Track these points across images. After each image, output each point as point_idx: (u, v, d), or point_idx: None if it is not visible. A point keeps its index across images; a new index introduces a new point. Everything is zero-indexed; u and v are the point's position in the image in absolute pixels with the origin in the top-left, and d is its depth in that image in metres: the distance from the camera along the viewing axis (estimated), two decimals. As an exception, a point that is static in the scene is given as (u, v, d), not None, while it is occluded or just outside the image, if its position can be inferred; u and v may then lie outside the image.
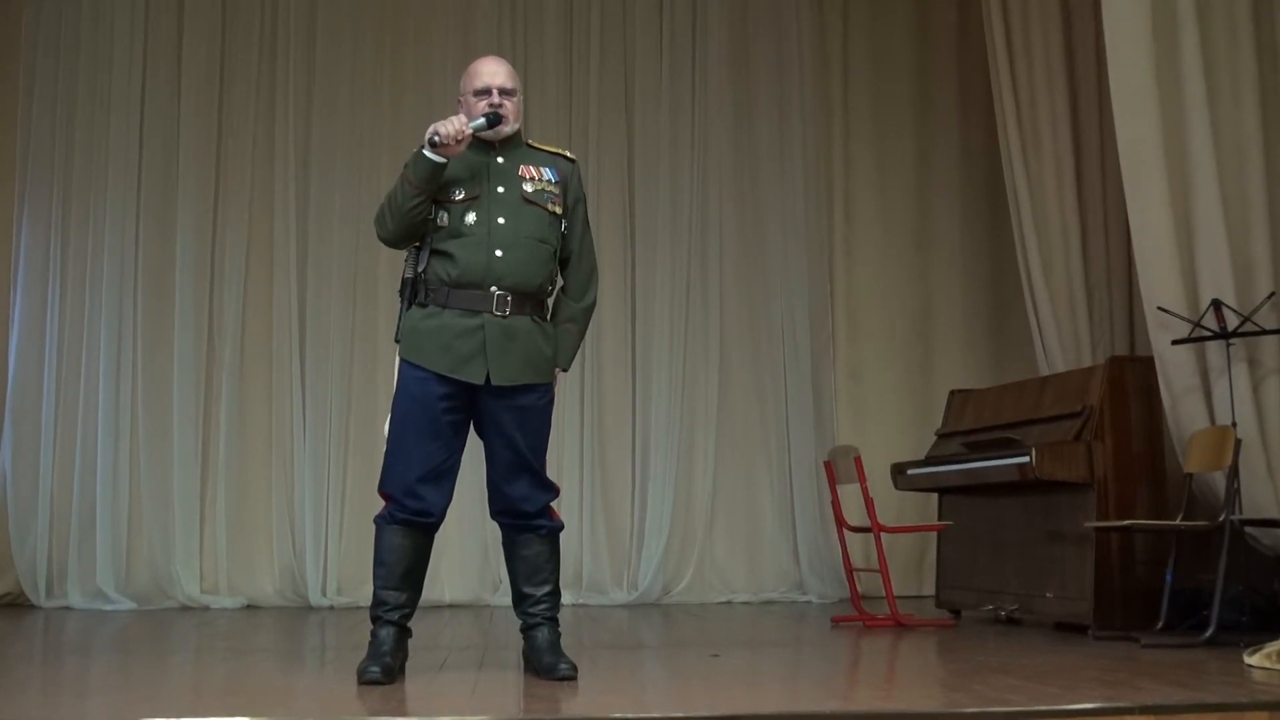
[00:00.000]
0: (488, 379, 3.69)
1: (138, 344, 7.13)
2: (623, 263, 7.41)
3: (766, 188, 7.59)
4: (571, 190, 3.91)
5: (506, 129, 3.81)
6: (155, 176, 7.26)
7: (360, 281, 7.26)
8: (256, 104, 7.35)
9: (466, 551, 7.03)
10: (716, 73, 7.61)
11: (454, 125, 3.69)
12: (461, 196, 3.76)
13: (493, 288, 3.70)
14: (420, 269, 3.76)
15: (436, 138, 3.66)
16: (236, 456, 7.12)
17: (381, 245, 3.90)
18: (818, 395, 7.44)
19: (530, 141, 3.97)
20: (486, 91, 3.82)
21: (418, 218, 3.73)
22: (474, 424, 3.81)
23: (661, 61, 7.59)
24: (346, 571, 6.96)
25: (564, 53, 7.55)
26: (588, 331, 4.03)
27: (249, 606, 6.93)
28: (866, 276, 7.69)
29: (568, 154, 3.98)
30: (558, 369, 3.86)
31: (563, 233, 3.88)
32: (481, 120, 3.77)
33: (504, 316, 3.71)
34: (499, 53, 7.11)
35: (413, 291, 3.77)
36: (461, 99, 3.88)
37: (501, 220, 3.74)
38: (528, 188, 3.81)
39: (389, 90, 7.42)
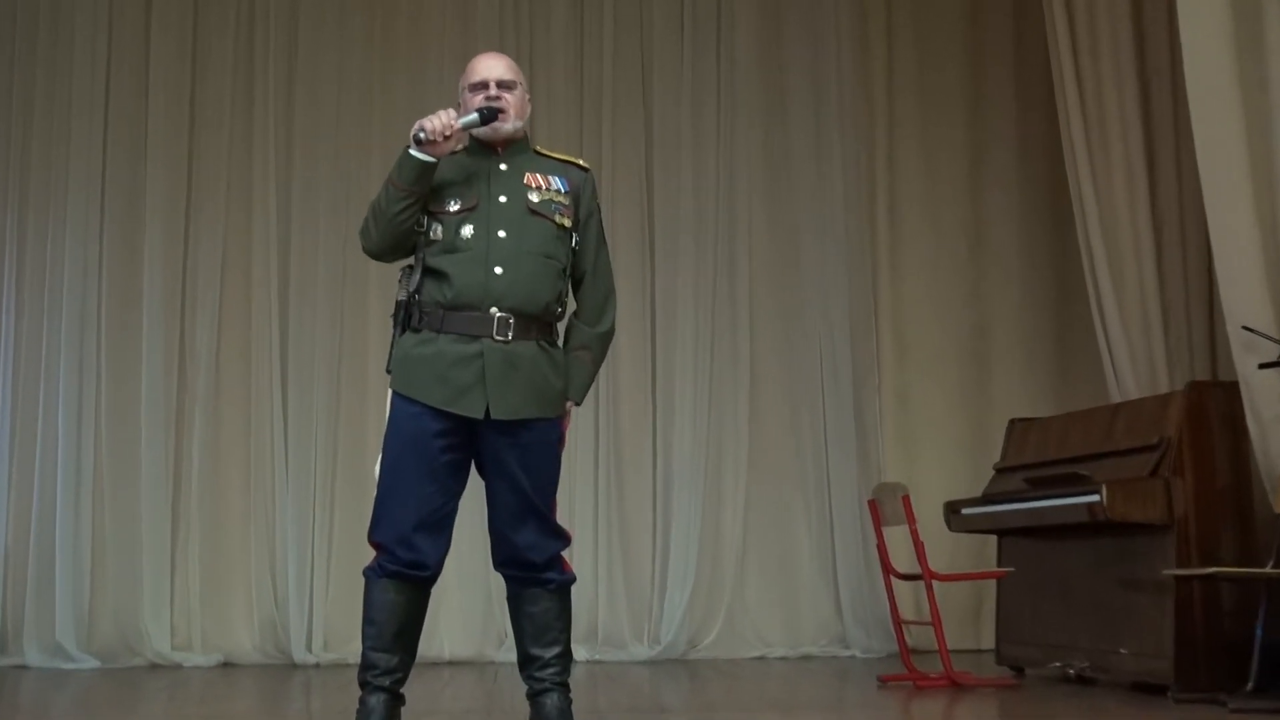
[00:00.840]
0: (487, 413, 3.67)
1: (101, 373, 7.15)
2: (641, 278, 7.42)
3: (801, 192, 7.59)
4: (584, 202, 3.91)
5: (506, 126, 3.81)
6: (120, 188, 7.29)
7: (349, 303, 7.27)
8: (232, 104, 7.39)
9: (468, 601, 7.01)
10: (744, 62, 7.63)
11: (441, 119, 3.70)
12: (458, 207, 3.76)
13: (492, 309, 3.69)
14: (413, 290, 3.75)
15: (422, 134, 3.67)
16: (211, 497, 7.12)
17: (372, 263, 3.91)
18: (860, 424, 7.42)
19: (538, 148, 3.97)
20: (483, 85, 3.83)
21: (404, 225, 3.74)
22: (475, 463, 3.80)
23: (682, 51, 7.62)
24: (334, 625, 6.95)
25: (573, 41, 7.59)
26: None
27: (225, 664, 6.93)
28: (914, 290, 7.69)
29: (580, 162, 3.98)
30: (569, 402, 3.84)
31: (574, 249, 3.87)
32: (474, 115, 3.76)
33: (505, 342, 3.69)
34: (500, 42, 7.21)
35: (406, 315, 3.77)
36: (460, 99, 3.89)
37: (502, 233, 3.73)
38: (533, 197, 3.80)
39: (379, 89, 7.45)
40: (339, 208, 7.26)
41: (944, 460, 7.44)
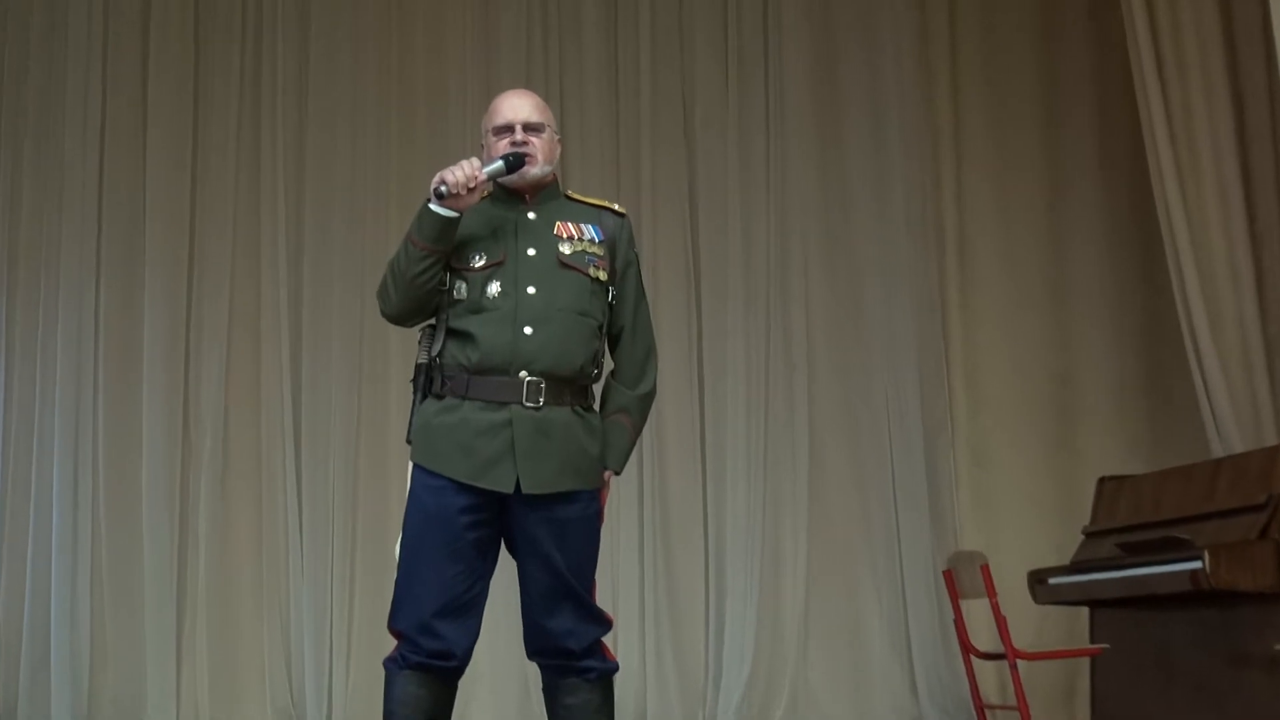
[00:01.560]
0: (518, 486, 3.67)
1: (98, 439, 7.20)
2: (686, 329, 7.42)
3: (861, 231, 7.58)
4: (621, 251, 3.92)
5: (534, 171, 3.82)
6: (117, 240, 7.37)
7: (367, 363, 7.31)
8: (237, 149, 7.47)
9: (501, 693, 6.99)
10: (795, 89, 7.64)
11: (465, 170, 3.70)
12: (483, 263, 3.77)
13: (521, 373, 3.69)
14: (435, 353, 3.77)
15: (443, 187, 3.67)
16: (220, 579, 7.14)
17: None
18: (933, 486, 7.37)
19: (570, 193, 3.99)
20: (508, 129, 3.84)
21: (426, 286, 3.75)
22: (504, 541, 3.80)
23: (727, 80, 7.63)
24: (354, 715, 6.94)
25: (607, 73, 7.63)
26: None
27: (237, 762, 6.93)
28: (989, 336, 7.63)
29: (616, 207, 3.99)
30: (607, 471, 3.84)
31: (610, 304, 3.88)
32: (499, 163, 3.78)
33: (537, 408, 3.69)
34: (526, 76, 7.29)
35: (427, 380, 3.78)
36: (483, 141, 3.92)
37: (532, 290, 3.74)
38: (565, 249, 3.82)
39: (396, 131, 7.53)
40: (355, 261, 7.32)
41: (1026, 524, 7.35)
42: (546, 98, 6.70)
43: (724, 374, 7.39)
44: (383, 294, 3.82)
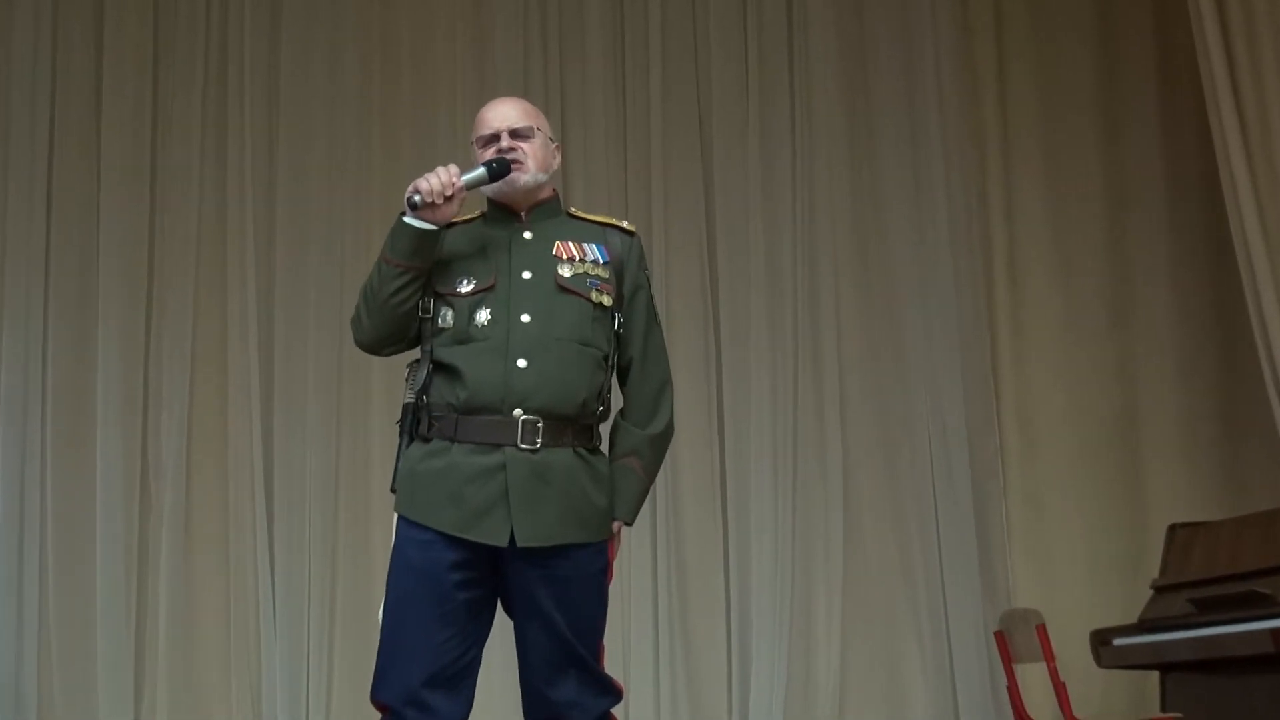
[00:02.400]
0: (512, 539, 3.65)
1: (46, 490, 7.20)
2: (704, 362, 7.43)
3: (899, 250, 7.59)
4: (629, 273, 3.91)
5: (525, 178, 3.82)
6: (69, 264, 7.40)
7: (347, 404, 7.34)
8: (202, 161, 7.50)
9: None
10: (823, 92, 7.66)
11: (440, 177, 3.70)
12: (471, 287, 3.77)
13: (516, 411, 3.67)
14: (420, 390, 3.76)
15: (416, 196, 3.67)
16: (182, 643, 7.13)
17: (375, 361, 4.02)
18: (983, 535, 7.36)
19: (572, 209, 3.99)
20: (493, 138, 3.85)
21: (402, 309, 3.75)
22: (501, 599, 3.79)
23: (747, 81, 7.66)
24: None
25: (613, 72, 7.67)
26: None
27: None
28: (1044, 367, 7.63)
29: (624, 224, 3.99)
30: (616, 523, 3.83)
31: (617, 332, 3.88)
32: (480, 170, 3.77)
33: (533, 450, 3.67)
34: (524, 74, 7.40)
35: (413, 422, 3.78)
36: (472, 157, 3.92)
37: (526, 317, 3.73)
38: (564, 271, 3.81)
39: (379, 138, 7.57)
40: (332, 289, 7.34)
41: (1088, 579, 7.35)
42: (546, 105, 6.83)
43: (746, 412, 7.39)
44: (355, 320, 3.83)
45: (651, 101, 7.61)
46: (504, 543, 3.64)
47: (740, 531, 7.31)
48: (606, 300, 3.83)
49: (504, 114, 3.88)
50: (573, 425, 3.73)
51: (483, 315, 3.73)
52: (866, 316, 7.57)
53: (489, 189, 3.82)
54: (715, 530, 7.32)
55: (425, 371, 3.76)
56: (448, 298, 3.76)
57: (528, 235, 3.84)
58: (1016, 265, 7.70)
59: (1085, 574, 7.38)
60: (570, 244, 3.84)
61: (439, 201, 3.68)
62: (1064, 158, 7.75)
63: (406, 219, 3.70)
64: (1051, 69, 7.82)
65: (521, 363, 3.68)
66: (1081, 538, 7.47)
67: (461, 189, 3.72)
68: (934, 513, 7.38)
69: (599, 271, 3.84)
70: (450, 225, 3.80)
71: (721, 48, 7.67)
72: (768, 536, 7.27)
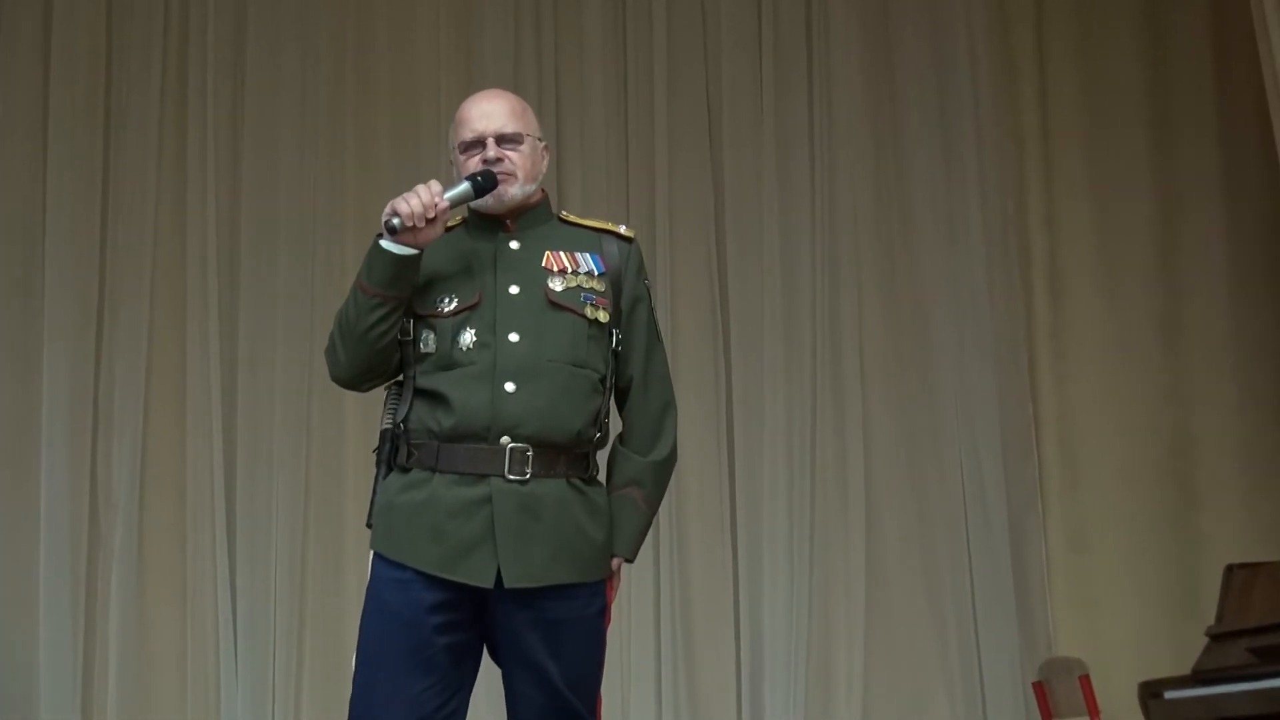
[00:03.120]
0: (499, 579, 3.63)
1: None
2: (712, 381, 7.43)
3: (928, 260, 7.60)
4: (627, 285, 3.90)
5: (513, 191, 3.81)
6: (10, 276, 7.41)
7: (317, 426, 7.35)
8: (160, 164, 7.52)
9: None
10: (845, 85, 7.66)
11: (421, 197, 3.66)
12: (454, 306, 3.75)
13: (503, 439, 3.66)
14: (401, 417, 3.76)
15: (395, 220, 3.64)
16: (134, 696, 7.11)
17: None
18: (1020, 576, 7.36)
19: (564, 214, 3.98)
20: (478, 144, 3.82)
21: (381, 342, 3.73)
22: (487, 645, 3.77)
23: (761, 71, 7.67)
24: None
25: (614, 65, 7.68)
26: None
27: None
28: (1087, 389, 7.62)
29: (621, 230, 3.97)
30: (615, 559, 3.82)
31: (614, 350, 3.86)
32: (465, 186, 3.75)
33: (522, 482, 3.66)
34: (515, 67, 7.45)
35: (392, 450, 3.77)
36: (451, 159, 3.92)
37: (514, 337, 3.72)
38: (555, 285, 3.79)
39: (353, 139, 7.59)
40: (302, 305, 7.39)
41: (1136, 624, 7.34)
42: (539, 101, 6.93)
43: (759, 437, 7.39)
44: (330, 352, 3.81)
45: (656, 95, 7.61)
46: (489, 583, 3.62)
47: (752, 570, 7.30)
48: (603, 316, 3.82)
49: (489, 115, 3.84)
50: (566, 454, 3.72)
51: (467, 337, 3.72)
52: (892, 333, 7.57)
53: (477, 200, 3.80)
54: (724, 569, 7.31)
55: (408, 398, 3.75)
56: (429, 319, 3.76)
57: (514, 245, 3.82)
58: (1058, 277, 7.69)
59: (1133, 619, 7.36)
60: (561, 254, 3.83)
61: (420, 225, 3.65)
62: (1111, 159, 7.74)
63: (384, 243, 3.67)
64: (1098, 61, 7.81)
65: (509, 386, 3.67)
66: (1129, 579, 7.45)
67: (445, 209, 3.70)
68: (966, 550, 7.37)
69: (594, 284, 3.82)
70: None
71: (733, 37, 7.67)
72: (782, 576, 7.27)
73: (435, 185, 3.70)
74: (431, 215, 3.66)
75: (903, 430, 7.49)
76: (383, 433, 3.77)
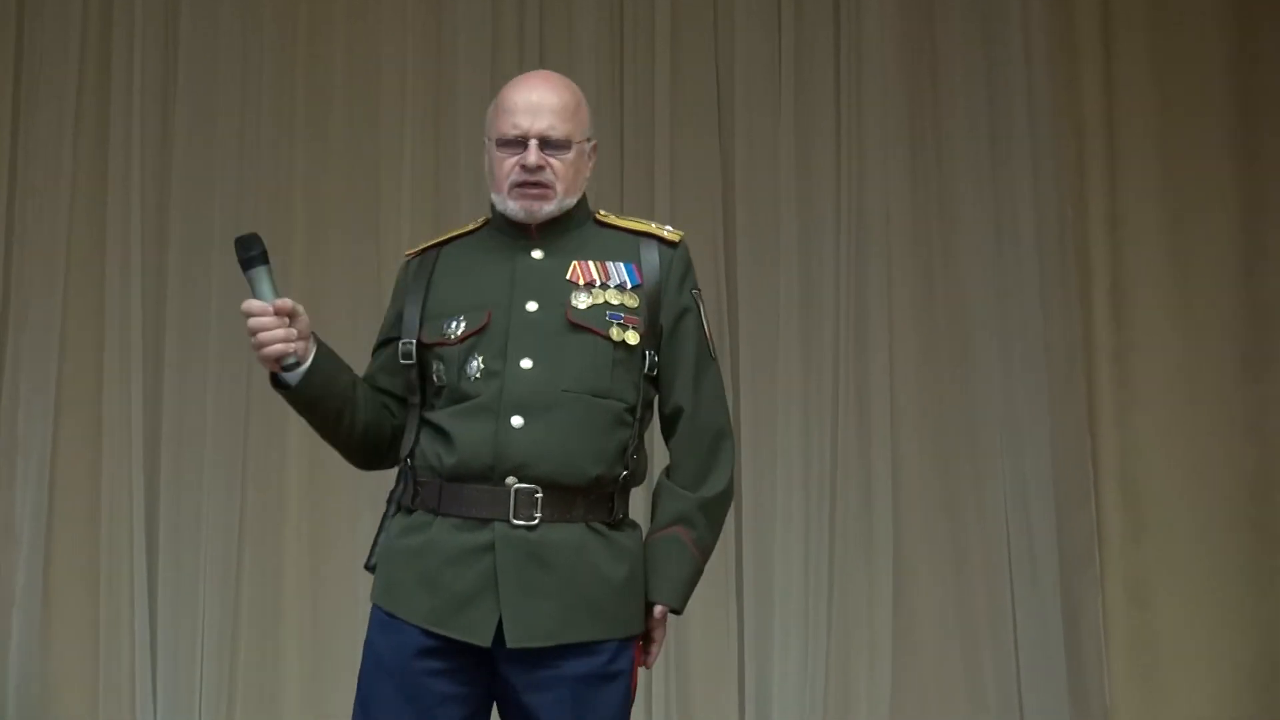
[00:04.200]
0: (500, 637, 3.69)
1: None
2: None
3: (970, 265, 7.58)
4: (670, 296, 3.94)
5: (548, 209, 3.85)
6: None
7: (255, 452, 7.36)
8: (76, 144, 7.50)
9: None
10: (877, 65, 7.62)
11: (267, 328, 3.73)
12: (462, 330, 3.82)
13: (509, 479, 3.73)
14: (407, 453, 3.86)
15: (291, 360, 3.76)
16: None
17: None
18: (1073, 637, 7.35)
19: (600, 214, 4.03)
20: (518, 143, 3.84)
21: (354, 433, 3.89)
22: (498, 707, 3.85)
23: (780, 45, 7.63)
24: None
25: (608, 31, 7.64)
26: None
27: None
28: (1154, 422, 7.57)
29: (665, 232, 4.02)
30: (660, 607, 3.85)
31: (646, 375, 3.89)
32: (256, 274, 3.78)
33: (530, 527, 3.72)
34: (493, 31, 7.49)
35: (401, 488, 3.88)
36: (486, 139, 3.93)
37: (528, 363, 3.77)
38: (579, 301, 3.83)
39: (304, 115, 7.57)
40: (238, 313, 7.03)
41: (1207, 692, 7.34)
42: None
43: (770, 470, 7.39)
44: None
45: (657, 72, 7.58)
46: (486, 641, 3.70)
47: (760, 620, 7.30)
48: (631, 338, 3.86)
49: (537, 110, 3.85)
50: (585, 496, 3.79)
51: (474, 365, 3.79)
52: (927, 353, 7.54)
53: (500, 204, 3.88)
54: (728, 632, 7.29)
55: (414, 431, 3.86)
56: (436, 348, 3.84)
57: (537, 255, 3.89)
58: (1122, 292, 7.63)
59: (1203, 686, 7.36)
60: (591, 264, 3.89)
61: (290, 349, 3.73)
62: (1187, 153, 7.68)
63: (282, 392, 3.82)
64: (1172, 43, 7.75)
65: (516, 421, 3.74)
66: (1199, 639, 7.43)
67: (286, 309, 3.73)
68: (1009, 604, 7.37)
69: (624, 300, 3.87)
70: (448, 241, 3.97)
71: (747, 3, 7.65)
72: (794, 640, 7.26)
73: (251, 303, 3.74)
74: (277, 335, 3.71)
75: (938, 466, 7.48)
76: (398, 471, 3.92)
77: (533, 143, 3.80)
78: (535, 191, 3.80)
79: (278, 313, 3.69)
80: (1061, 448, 7.45)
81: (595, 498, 3.79)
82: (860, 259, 7.52)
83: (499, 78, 7.10)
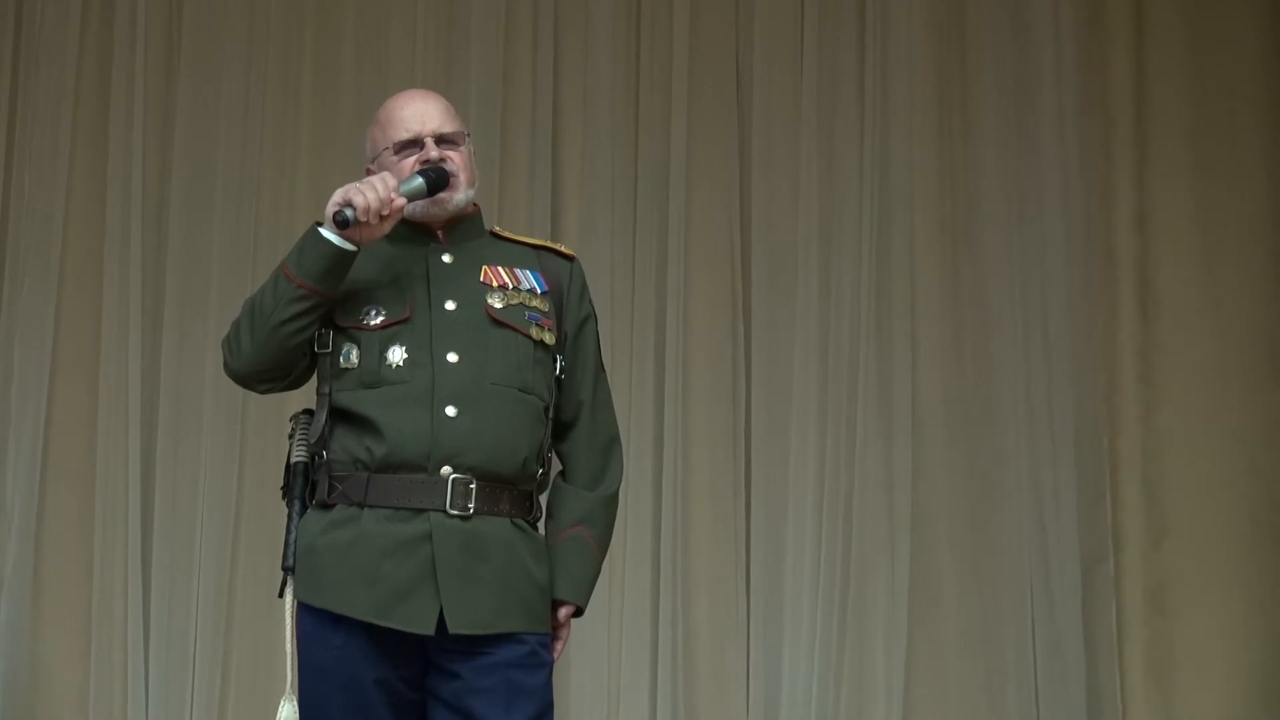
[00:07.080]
0: (441, 624, 3.75)
1: None
2: (729, 404, 7.32)
3: (993, 259, 7.52)
4: (572, 305, 4.12)
5: (459, 198, 4.02)
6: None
7: (253, 429, 7.35)
8: (76, 112, 7.47)
9: None
10: (903, 50, 7.56)
11: (379, 191, 3.82)
12: (382, 319, 3.92)
13: (445, 469, 3.82)
14: (316, 445, 3.89)
15: (349, 211, 3.80)
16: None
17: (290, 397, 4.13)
18: (1091, 643, 7.30)
19: (497, 229, 4.20)
20: (414, 144, 4.01)
21: (296, 338, 3.89)
22: (428, 704, 3.90)
23: (802, 30, 7.57)
24: None
25: (624, 12, 7.59)
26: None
27: None
28: (1180, 422, 7.54)
29: (560, 248, 4.22)
30: (565, 607, 3.99)
31: (557, 377, 4.03)
32: (418, 181, 3.93)
33: (465, 518, 3.82)
34: (507, 9, 7.39)
35: (306, 485, 3.91)
36: (371, 166, 4.07)
37: (454, 357, 3.89)
38: (495, 301, 3.98)
39: (309, 89, 7.55)
40: (240, 282, 7.21)
41: (1227, 699, 7.32)
42: (534, 69, 7.20)
43: (784, 468, 7.34)
44: (231, 341, 3.97)
45: (674, 52, 7.52)
46: (430, 630, 3.77)
47: (769, 628, 7.24)
48: (549, 338, 4.04)
49: (425, 114, 4.07)
50: (510, 490, 3.91)
51: (396, 354, 3.89)
52: (950, 348, 7.50)
53: (410, 205, 3.97)
54: (737, 635, 7.24)
55: (322, 422, 3.90)
56: (351, 331, 3.93)
57: (447, 259, 4.04)
58: (1150, 289, 7.60)
59: (1223, 693, 7.35)
60: (500, 269, 4.05)
61: (373, 221, 3.82)
62: (1220, 142, 7.66)
63: (325, 232, 3.84)
64: (1204, 29, 7.71)
65: (451, 411, 3.85)
66: (1219, 645, 7.41)
67: (401, 208, 3.87)
68: (1027, 608, 7.32)
69: (537, 303, 4.04)
70: None
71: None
72: (803, 635, 7.21)
73: (390, 179, 3.88)
74: (386, 212, 3.83)
75: (958, 464, 7.42)
76: (294, 465, 3.92)
77: (429, 139, 3.99)
78: (447, 165, 3.98)
79: (388, 206, 3.79)
80: (1082, 441, 7.40)
81: (518, 494, 3.92)
82: (882, 250, 7.48)
83: (512, 54, 7.20)
